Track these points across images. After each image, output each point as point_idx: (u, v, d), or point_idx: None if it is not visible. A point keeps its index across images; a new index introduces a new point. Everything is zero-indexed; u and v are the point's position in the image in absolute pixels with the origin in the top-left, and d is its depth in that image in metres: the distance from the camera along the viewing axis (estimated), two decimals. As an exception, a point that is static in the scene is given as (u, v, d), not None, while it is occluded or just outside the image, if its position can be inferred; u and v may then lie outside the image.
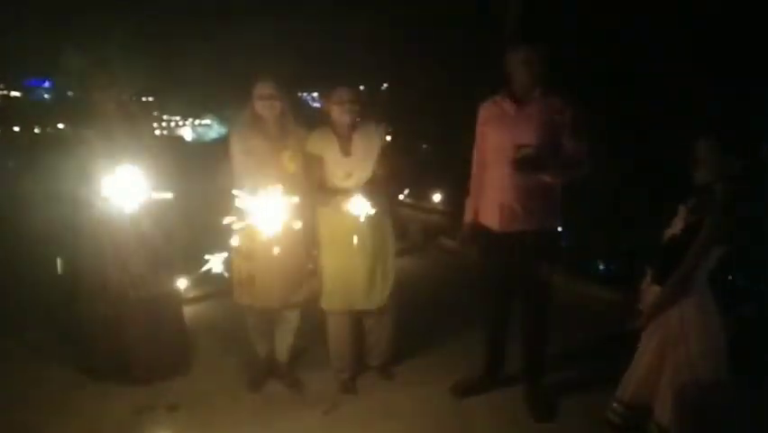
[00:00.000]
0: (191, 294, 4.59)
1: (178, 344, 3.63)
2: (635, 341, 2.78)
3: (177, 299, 3.62)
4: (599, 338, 4.09)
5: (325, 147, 3.22)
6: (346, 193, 3.14)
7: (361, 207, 3.08)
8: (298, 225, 3.07)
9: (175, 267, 3.56)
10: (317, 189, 3.25)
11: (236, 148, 3.22)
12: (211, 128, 23.15)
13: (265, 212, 3.01)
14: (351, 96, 3.16)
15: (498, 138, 3.03)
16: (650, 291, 2.64)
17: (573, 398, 3.35)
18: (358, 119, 3.21)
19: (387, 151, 3.29)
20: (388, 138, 3.38)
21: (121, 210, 3.11)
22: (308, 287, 3.44)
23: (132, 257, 3.31)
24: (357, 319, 3.49)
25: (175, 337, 3.59)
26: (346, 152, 3.21)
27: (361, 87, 3.34)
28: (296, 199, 3.00)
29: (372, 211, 3.10)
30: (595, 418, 3.18)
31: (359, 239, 3.21)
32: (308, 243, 3.36)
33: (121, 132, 3.29)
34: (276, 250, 3.02)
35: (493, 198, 3.07)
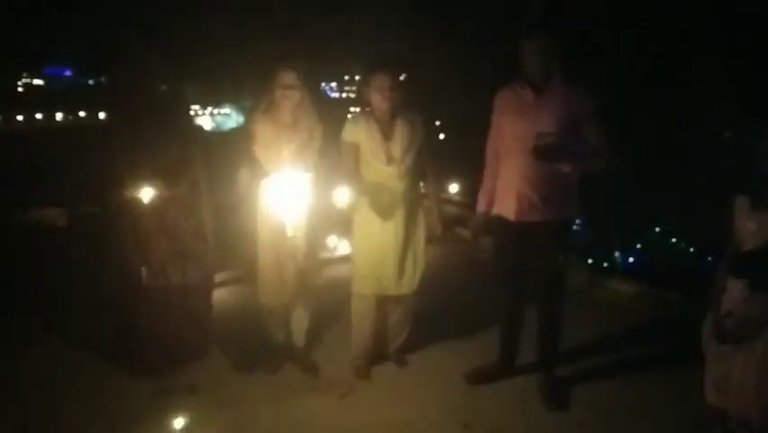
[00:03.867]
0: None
1: (198, 331, 3.64)
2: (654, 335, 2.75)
3: (201, 288, 3.61)
4: (615, 330, 4.09)
5: (364, 133, 3.21)
6: (380, 183, 3.18)
7: (282, 194, 3.11)
8: (304, 211, 3.13)
9: (202, 255, 3.56)
10: (350, 176, 3.25)
11: (249, 131, 3.28)
12: (230, 117, 23.32)
13: (273, 196, 3.07)
14: (391, 83, 3.16)
15: (517, 127, 3.02)
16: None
17: (587, 389, 3.35)
18: (398, 105, 3.21)
19: (427, 139, 3.32)
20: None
21: (142, 199, 3.16)
22: (317, 273, 3.49)
23: (154, 245, 3.35)
24: (381, 305, 3.51)
25: (195, 326, 3.61)
26: (387, 136, 3.21)
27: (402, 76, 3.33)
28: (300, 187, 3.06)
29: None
30: (608, 409, 3.20)
31: (394, 225, 3.25)
32: (317, 231, 3.39)
33: (149, 122, 3.29)
34: (283, 235, 3.07)
35: (510, 187, 3.07)
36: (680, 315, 4.21)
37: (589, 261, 5.87)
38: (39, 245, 5.56)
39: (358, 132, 3.23)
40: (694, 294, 4.44)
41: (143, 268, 3.35)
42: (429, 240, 3.49)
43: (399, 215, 3.25)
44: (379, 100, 3.18)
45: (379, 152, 3.20)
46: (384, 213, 3.24)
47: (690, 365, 3.56)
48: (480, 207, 3.28)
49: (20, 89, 32.16)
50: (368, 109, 3.28)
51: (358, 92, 3.37)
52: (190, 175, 3.42)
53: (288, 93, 3.19)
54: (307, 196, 3.21)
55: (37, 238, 5.84)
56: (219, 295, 4.20)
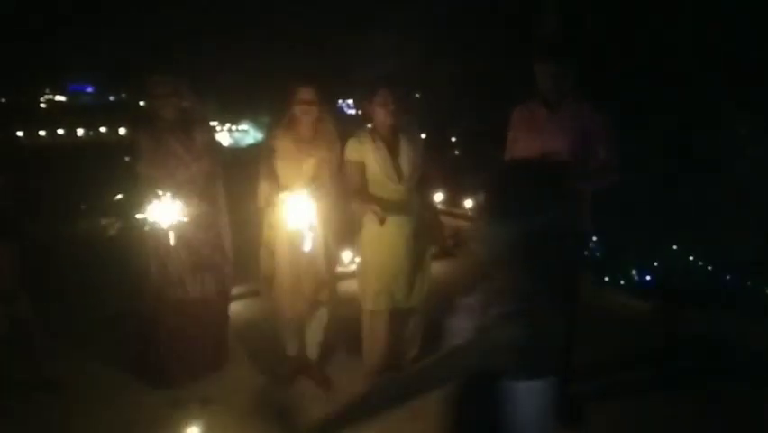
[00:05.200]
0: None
1: (214, 345, 3.70)
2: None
3: (218, 301, 3.66)
4: (631, 346, 4.06)
5: (369, 150, 3.24)
6: (388, 199, 3.22)
7: (304, 210, 3.15)
8: (321, 226, 3.17)
9: (220, 268, 3.62)
10: (359, 194, 3.28)
11: (267, 147, 3.35)
12: (247, 134, 23.53)
13: (292, 211, 3.12)
14: (394, 98, 3.20)
15: (528, 143, 3.06)
16: None
17: (601, 404, 3.33)
18: (400, 120, 3.26)
19: (427, 151, 3.36)
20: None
21: (164, 214, 3.23)
22: (332, 287, 3.52)
23: (173, 258, 3.41)
24: (391, 318, 3.52)
25: (212, 338, 3.67)
26: (394, 153, 3.25)
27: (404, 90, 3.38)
28: (318, 203, 3.11)
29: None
30: (622, 425, 3.18)
31: (404, 239, 3.28)
32: (334, 245, 3.44)
33: (173, 138, 3.39)
34: (301, 249, 3.11)
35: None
36: (696, 331, 4.18)
37: (606, 278, 5.83)
38: (87, 254, 5.69)
39: (363, 150, 3.25)
40: (711, 311, 4.42)
41: (163, 280, 3.42)
42: (438, 253, 3.51)
43: (408, 229, 3.28)
44: (382, 115, 3.21)
45: (390, 171, 3.23)
46: (397, 228, 3.27)
47: (706, 382, 3.55)
48: None
49: (42, 105, 32.75)
50: (370, 126, 3.31)
51: (362, 108, 3.41)
52: (211, 190, 3.49)
53: (307, 109, 3.25)
54: (325, 210, 3.26)
55: (86, 247, 5.96)
56: (235, 308, 4.26)
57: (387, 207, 3.21)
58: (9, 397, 3.30)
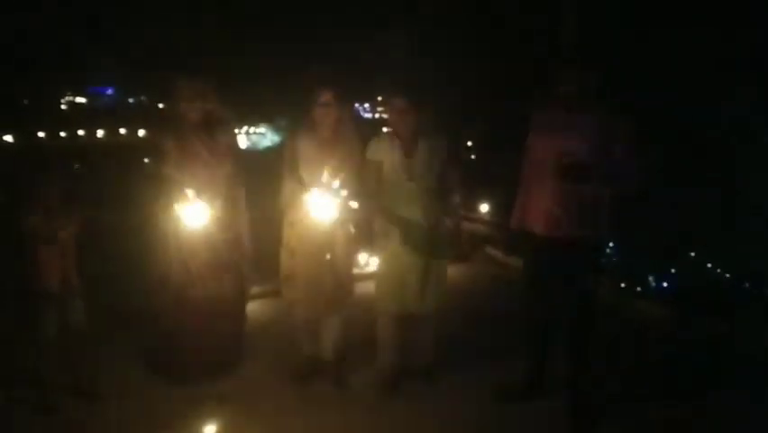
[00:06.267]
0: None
1: (232, 343, 3.74)
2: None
3: (237, 300, 3.71)
4: (647, 352, 4.05)
5: (386, 151, 3.31)
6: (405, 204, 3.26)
7: (325, 210, 3.19)
8: (341, 227, 3.21)
9: (239, 268, 3.67)
10: (372, 198, 3.35)
11: (288, 148, 3.42)
12: (265, 136, 23.67)
13: (314, 211, 3.16)
14: (406, 106, 3.25)
15: (546, 147, 3.07)
16: None
17: (617, 411, 3.32)
18: (420, 126, 3.30)
19: (449, 158, 3.38)
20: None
21: (187, 214, 3.28)
22: (350, 288, 3.55)
23: (194, 257, 3.46)
24: (404, 323, 3.55)
25: (230, 337, 3.71)
26: (408, 154, 3.29)
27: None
28: (337, 203, 3.17)
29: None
30: (635, 432, 3.17)
31: (420, 228, 3.30)
32: (352, 246, 3.47)
33: (198, 140, 3.45)
34: (320, 249, 3.14)
35: (539, 203, 3.11)
36: (712, 338, 4.15)
37: (622, 285, 5.81)
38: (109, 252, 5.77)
39: (381, 150, 3.33)
40: (729, 318, 4.39)
41: (183, 279, 3.47)
42: (453, 260, 3.52)
43: (423, 231, 3.30)
44: (395, 121, 3.29)
45: (401, 169, 3.28)
46: (410, 243, 3.30)
47: (723, 389, 3.53)
48: (513, 222, 3.32)
49: (63, 107, 33.12)
50: (387, 129, 3.39)
51: (383, 112, 3.49)
52: (233, 191, 3.54)
53: (326, 111, 3.30)
54: (345, 211, 3.29)
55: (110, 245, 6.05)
56: (253, 307, 4.30)
57: (399, 208, 3.25)
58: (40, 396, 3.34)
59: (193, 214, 3.28)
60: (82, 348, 3.40)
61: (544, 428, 3.21)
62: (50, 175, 3.23)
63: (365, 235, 3.56)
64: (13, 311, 3.36)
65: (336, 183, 3.20)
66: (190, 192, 3.28)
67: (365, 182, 3.37)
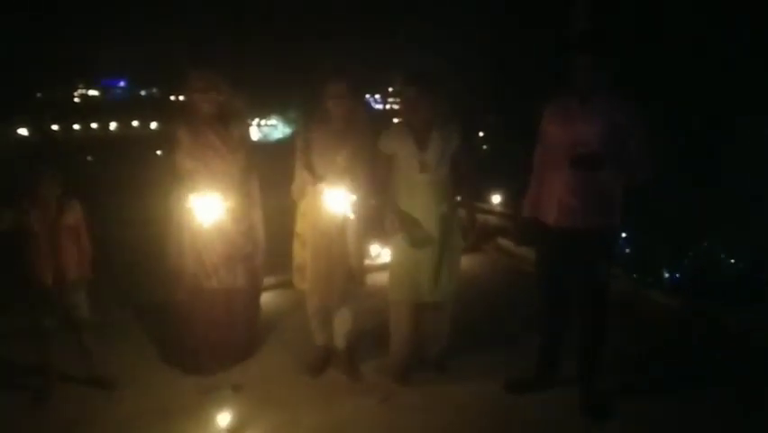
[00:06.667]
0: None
1: (245, 334, 3.77)
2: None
3: (251, 291, 3.74)
4: (660, 343, 4.03)
5: (399, 142, 3.31)
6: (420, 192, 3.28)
7: (338, 201, 3.21)
8: (353, 217, 3.22)
9: (253, 259, 3.69)
10: (380, 189, 3.36)
11: (300, 139, 3.42)
12: (276, 128, 23.75)
13: (327, 202, 3.18)
14: (417, 95, 3.24)
15: (560, 135, 3.06)
16: None
17: (630, 402, 3.31)
18: (434, 116, 3.29)
19: (462, 149, 3.38)
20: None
21: (201, 205, 3.31)
22: (362, 278, 3.56)
23: (208, 248, 3.49)
24: (417, 311, 3.56)
25: (243, 327, 3.73)
26: (422, 145, 3.29)
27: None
28: (351, 195, 3.18)
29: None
30: (651, 424, 3.17)
31: (432, 230, 3.31)
32: (364, 237, 3.48)
33: (211, 132, 3.48)
34: (332, 240, 3.15)
35: (551, 193, 3.10)
36: (726, 330, 4.13)
37: (635, 275, 5.78)
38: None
39: (393, 141, 3.33)
40: (742, 309, 4.36)
41: (197, 270, 3.50)
42: (466, 249, 3.53)
43: (435, 220, 3.31)
44: (409, 111, 3.29)
45: (413, 160, 3.28)
46: (424, 218, 3.31)
47: (737, 381, 3.52)
48: (525, 212, 3.31)
49: (76, 99, 33.34)
50: (397, 120, 3.40)
51: (400, 103, 3.48)
52: (246, 183, 3.57)
53: (338, 102, 3.31)
54: (357, 202, 3.30)
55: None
56: (266, 298, 4.33)
57: (414, 197, 3.25)
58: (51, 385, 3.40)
59: (207, 205, 3.31)
60: (85, 341, 3.45)
61: (556, 419, 3.21)
62: (46, 170, 3.24)
63: (373, 227, 3.56)
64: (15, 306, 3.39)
65: (346, 177, 3.21)
66: (204, 183, 3.30)
67: (377, 174, 3.38)
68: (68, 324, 3.35)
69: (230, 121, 3.55)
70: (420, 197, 3.31)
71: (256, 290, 3.81)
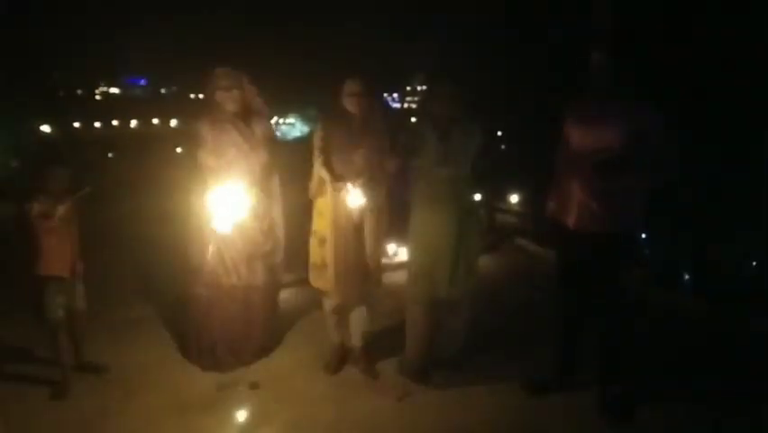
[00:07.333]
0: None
1: (263, 331, 3.78)
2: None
3: (270, 288, 3.76)
4: (680, 345, 4.00)
5: (422, 136, 3.31)
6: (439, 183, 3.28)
7: (356, 200, 3.22)
8: (370, 216, 3.23)
9: (273, 257, 3.72)
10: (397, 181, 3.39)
11: (317, 138, 3.42)
12: (294, 127, 23.83)
13: (343, 201, 3.19)
14: (453, 93, 3.27)
15: (580, 138, 3.04)
16: None
17: (649, 404, 3.28)
18: (457, 114, 3.30)
19: (482, 147, 3.38)
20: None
21: (223, 203, 3.32)
22: (378, 277, 3.57)
23: (228, 245, 3.51)
24: (434, 310, 3.56)
25: (261, 325, 3.75)
26: (443, 139, 3.29)
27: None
28: (366, 192, 3.20)
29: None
30: (671, 425, 3.14)
31: (448, 229, 3.31)
32: (381, 236, 3.49)
33: (234, 129, 3.52)
34: (350, 238, 3.16)
35: (572, 196, 3.08)
36: (745, 331, 4.08)
37: (656, 277, 5.72)
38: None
39: (416, 136, 3.33)
40: (763, 311, 4.30)
41: (218, 267, 3.53)
42: (484, 249, 3.52)
43: (455, 217, 3.30)
44: (437, 107, 3.28)
45: (435, 154, 3.28)
46: (444, 215, 3.31)
47: (756, 382, 3.47)
48: (548, 210, 3.30)
49: (97, 97, 33.70)
50: (416, 119, 3.40)
51: (421, 102, 3.49)
52: (267, 181, 3.59)
53: (356, 101, 3.31)
54: (374, 200, 3.31)
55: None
56: (285, 295, 4.35)
57: (434, 194, 3.25)
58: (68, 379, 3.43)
59: (229, 202, 3.32)
60: (82, 329, 3.52)
61: (572, 421, 3.20)
62: (55, 164, 3.29)
63: (392, 225, 3.57)
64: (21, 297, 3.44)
65: (364, 176, 3.22)
66: (226, 181, 3.32)
67: (394, 164, 3.38)
68: (70, 314, 3.40)
69: (252, 119, 3.58)
70: (440, 192, 3.30)
71: (275, 288, 3.84)
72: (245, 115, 3.57)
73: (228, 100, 3.48)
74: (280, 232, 3.74)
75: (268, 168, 3.62)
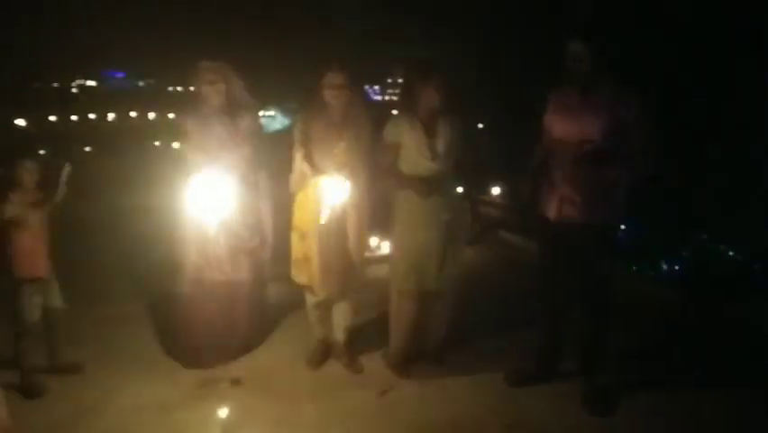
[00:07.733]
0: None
1: (247, 327, 3.75)
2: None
3: (255, 284, 3.73)
4: (660, 337, 4.04)
5: (407, 132, 3.28)
6: (422, 177, 3.25)
7: (337, 193, 3.19)
8: (351, 210, 3.22)
9: (258, 252, 3.69)
10: (391, 174, 3.34)
11: (298, 130, 3.38)
12: (274, 119, 23.68)
13: (325, 194, 3.17)
14: (444, 83, 3.23)
15: (563, 128, 3.04)
16: None
17: (631, 395, 3.30)
18: (443, 104, 3.28)
19: (466, 137, 3.38)
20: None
21: (207, 197, 3.28)
22: (361, 271, 3.54)
23: (213, 241, 3.46)
24: (419, 302, 3.54)
25: (245, 321, 3.72)
26: (431, 133, 3.28)
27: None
28: (348, 185, 3.16)
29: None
30: (652, 416, 3.17)
31: (436, 221, 3.30)
32: (363, 229, 3.47)
33: (219, 123, 3.48)
34: (331, 232, 3.14)
35: (553, 186, 3.08)
36: (726, 320, 4.13)
37: (634, 268, 5.78)
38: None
39: (399, 132, 3.30)
40: (741, 300, 4.37)
41: (201, 263, 3.49)
42: (469, 240, 3.52)
43: (441, 209, 3.30)
44: (429, 96, 3.24)
45: (424, 149, 3.26)
46: (430, 207, 3.29)
47: (737, 373, 3.52)
48: (526, 198, 3.27)
49: (74, 90, 33.16)
50: (396, 112, 3.35)
51: (402, 92, 3.42)
52: (253, 175, 3.55)
53: (337, 93, 3.28)
54: (355, 194, 3.28)
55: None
56: (270, 291, 4.32)
57: (421, 185, 3.24)
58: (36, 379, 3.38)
59: (213, 197, 3.28)
60: (59, 329, 3.46)
61: (557, 412, 3.21)
62: (26, 161, 3.22)
63: (374, 219, 3.55)
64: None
65: (344, 169, 3.19)
66: (211, 175, 3.28)
67: (381, 161, 3.35)
68: (45, 315, 3.35)
69: (238, 113, 3.54)
70: (427, 183, 3.28)
71: (260, 284, 3.80)
72: (231, 109, 3.52)
73: (213, 94, 3.44)
74: (268, 228, 3.70)
75: (254, 163, 3.57)
